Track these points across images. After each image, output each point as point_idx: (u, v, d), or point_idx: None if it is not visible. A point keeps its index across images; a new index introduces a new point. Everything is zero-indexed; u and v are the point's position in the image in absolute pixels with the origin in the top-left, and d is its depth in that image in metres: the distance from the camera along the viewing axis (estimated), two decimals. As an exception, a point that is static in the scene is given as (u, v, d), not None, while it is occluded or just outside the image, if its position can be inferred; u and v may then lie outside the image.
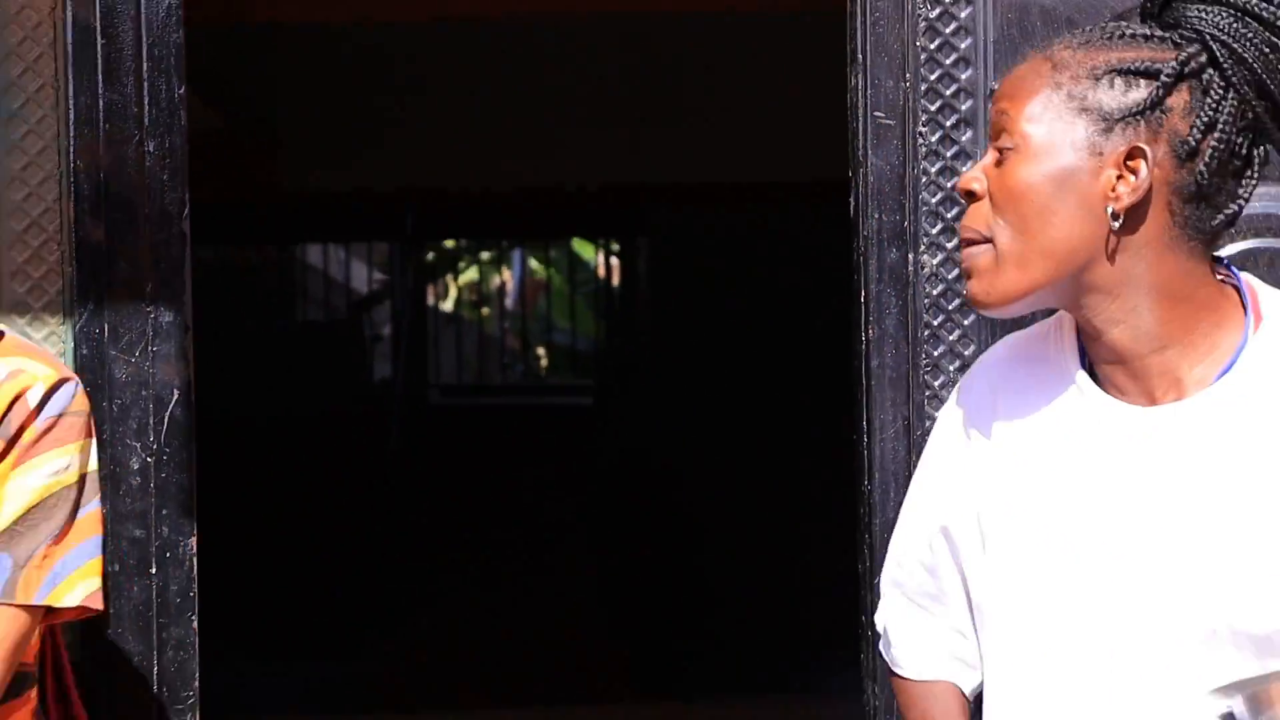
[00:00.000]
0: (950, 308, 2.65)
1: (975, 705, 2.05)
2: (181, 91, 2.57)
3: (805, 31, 5.43)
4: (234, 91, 7.82)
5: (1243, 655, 1.76)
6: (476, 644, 8.62)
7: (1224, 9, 1.79)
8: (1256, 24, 1.76)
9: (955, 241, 2.56)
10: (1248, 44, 1.76)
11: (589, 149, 8.53)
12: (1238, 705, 1.88)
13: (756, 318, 9.09)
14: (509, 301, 13.52)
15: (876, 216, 2.65)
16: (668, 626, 8.78)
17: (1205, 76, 1.75)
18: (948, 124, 2.59)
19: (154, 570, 2.58)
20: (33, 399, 2.18)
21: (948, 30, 2.59)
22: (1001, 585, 1.90)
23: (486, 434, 10.64)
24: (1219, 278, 1.83)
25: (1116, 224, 1.73)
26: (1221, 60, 1.75)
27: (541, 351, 13.64)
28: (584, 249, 12.25)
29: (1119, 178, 1.73)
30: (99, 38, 2.53)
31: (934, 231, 2.60)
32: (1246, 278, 1.85)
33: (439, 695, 7.79)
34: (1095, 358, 1.83)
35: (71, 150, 2.57)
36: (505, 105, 8.27)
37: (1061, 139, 1.75)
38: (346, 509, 9.21)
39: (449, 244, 13.17)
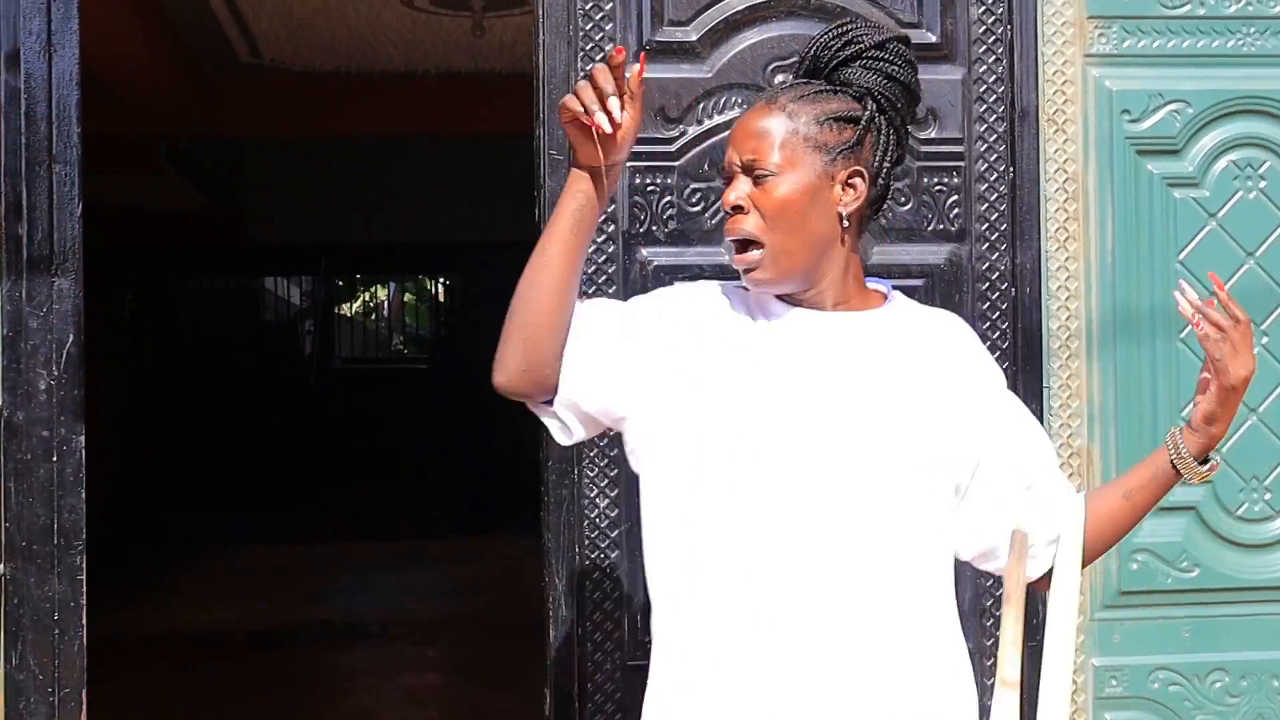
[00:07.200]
0: (600, 281, 3.09)
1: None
2: (78, 132, 2.94)
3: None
4: (216, 182, 11.35)
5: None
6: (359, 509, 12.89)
7: (875, 73, 2.17)
8: (897, 85, 2.16)
9: (603, 237, 3.06)
10: (895, 97, 2.17)
11: (428, 223, 12.06)
12: None
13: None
14: (386, 309, 18.41)
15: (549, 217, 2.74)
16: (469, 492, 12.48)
17: (878, 121, 2.15)
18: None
19: (54, 458, 2.95)
20: None
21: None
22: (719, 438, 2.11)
23: (369, 384, 15.19)
24: None
25: (846, 224, 2.13)
26: (886, 110, 2.15)
27: (400, 338, 18.59)
28: (427, 281, 17.13)
29: (844, 191, 2.12)
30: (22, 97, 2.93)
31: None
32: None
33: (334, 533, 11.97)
34: (793, 301, 2.16)
35: (3, 172, 2.95)
36: (384, 192, 11.97)
37: (805, 167, 2.10)
38: (283, 422, 14.14)
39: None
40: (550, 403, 2.18)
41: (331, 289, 16.49)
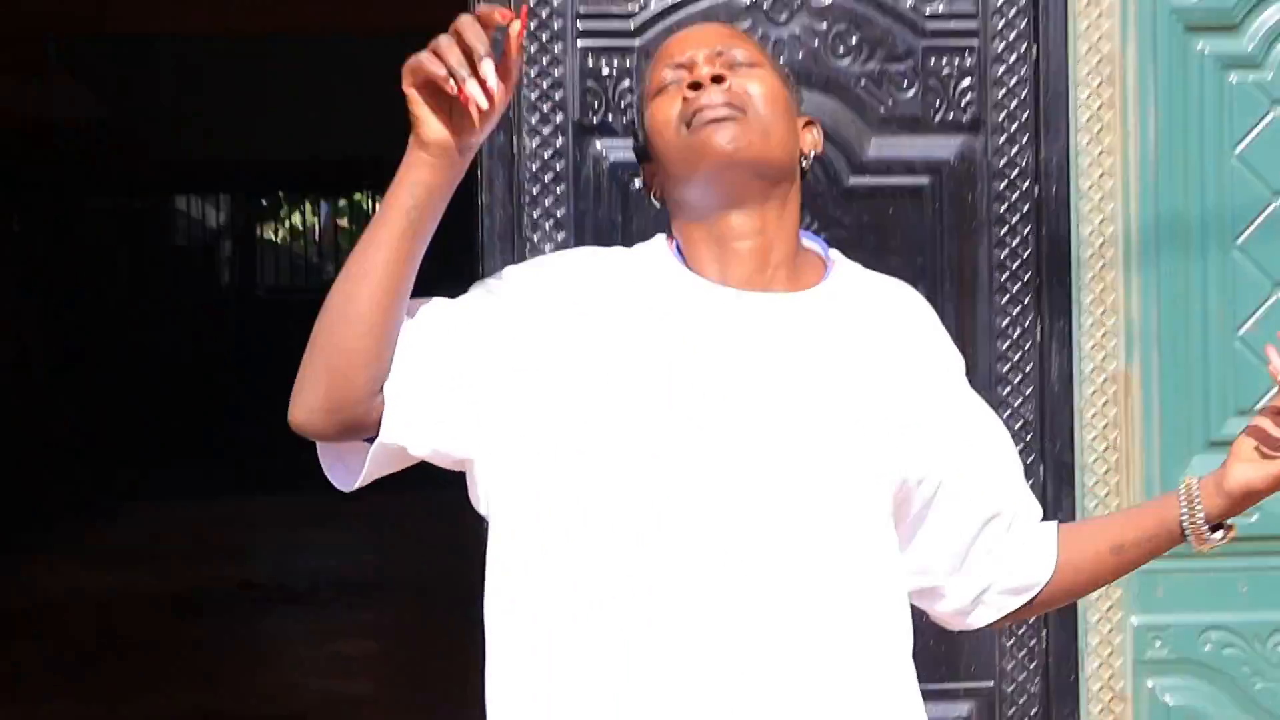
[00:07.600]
0: (546, 180, 2.93)
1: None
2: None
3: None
4: (115, 87, 10.66)
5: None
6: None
7: None
8: None
9: (550, 129, 2.90)
10: None
11: (362, 134, 10.68)
12: None
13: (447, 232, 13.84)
14: (316, 232, 18.16)
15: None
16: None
17: None
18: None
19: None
20: None
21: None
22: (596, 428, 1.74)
23: (297, 316, 15.22)
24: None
25: (805, 162, 1.90)
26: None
27: (333, 266, 18.38)
28: (364, 201, 16.83)
29: (804, 132, 1.90)
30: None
31: (534, 121, 2.91)
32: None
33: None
34: (714, 258, 1.82)
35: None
36: (311, 99, 11.42)
37: (781, 83, 1.89)
38: (198, 359, 14.06)
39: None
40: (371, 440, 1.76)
41: (253, 210, 15.99)
